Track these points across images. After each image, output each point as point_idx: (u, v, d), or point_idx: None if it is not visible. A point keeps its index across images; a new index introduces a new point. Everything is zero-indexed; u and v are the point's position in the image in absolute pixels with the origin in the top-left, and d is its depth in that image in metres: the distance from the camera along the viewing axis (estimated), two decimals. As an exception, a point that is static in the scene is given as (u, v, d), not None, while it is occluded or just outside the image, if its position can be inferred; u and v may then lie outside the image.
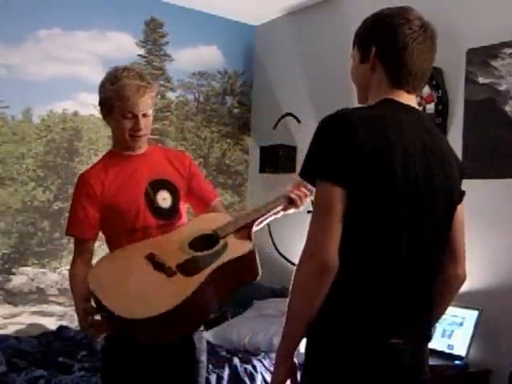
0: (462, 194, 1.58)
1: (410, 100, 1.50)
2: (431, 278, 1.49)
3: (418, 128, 1.46)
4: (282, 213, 2.10)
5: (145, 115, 2.08)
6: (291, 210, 2.10)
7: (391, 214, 1.38)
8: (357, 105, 1.59)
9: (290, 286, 1.38)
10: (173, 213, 2.12)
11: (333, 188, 1.34)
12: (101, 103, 2.11)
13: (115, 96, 2.05)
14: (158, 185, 2.11)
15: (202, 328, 2.17)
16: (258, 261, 1.93)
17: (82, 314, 1.93)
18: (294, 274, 1.37)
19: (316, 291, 1.34)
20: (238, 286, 1.96)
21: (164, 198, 2.11)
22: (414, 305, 1.44)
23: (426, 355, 1.52)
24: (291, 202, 2.06)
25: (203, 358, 2.14)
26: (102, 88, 2.11)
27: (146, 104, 2.08)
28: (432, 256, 1.48)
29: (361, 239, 1.37)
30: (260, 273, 1.94)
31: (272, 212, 2.06)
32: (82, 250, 2.10)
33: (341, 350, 1.38)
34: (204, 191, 2.23)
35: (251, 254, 1.91)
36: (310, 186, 2.02)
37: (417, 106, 1.53)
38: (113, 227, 2.09)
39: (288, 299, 1.39)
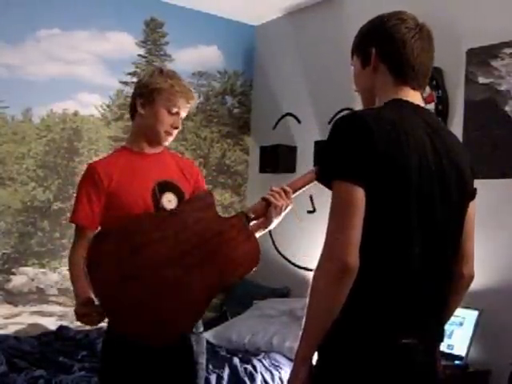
0: (474, 191, 1.57)
1: (416, 97, 1.51)
2: (444, 277, 1.49)
3: (427, 127, 1.46)
4: (275, 219, 2.03)
5: (182, 118, 2.16)
6: (281, 214, 2.02)
7: (406, 215, 1.38)
8: (356, 105, 1.59)
9: (309, 289, 1.36)
10: None
11: (354, 188, 1.33)
12: (144, 93, 2.12)
13: (169, 89, 2.09)
14: (166, 186, 2.12)
15: (201, 329, 2.16)
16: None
17: (81, 303, 1.92)
18: (313, 276, 1.35)
19: (337, 294, 1.33)
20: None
21: (169, 200, 2.12)
22: (427, 304, 1.45)
23: (439, 355, 1.53)
24: (269, 203, 1.99)
25: (202, 359, 2.14)
26: (152, 78, 2.13)
27: (188, 109, 2.16)
28: (445, 255, 1.48)
29: (374, 240, 1.37)
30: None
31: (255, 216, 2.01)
32: (83, 237, 2.09)
33: (353, 349, 1.38)
34: None
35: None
36: (288, 189, 2.00)
37: (422, 104, 1.53)
38: (115, 222, 2.08)
39: (307, 302, 1.37)
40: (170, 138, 2.18)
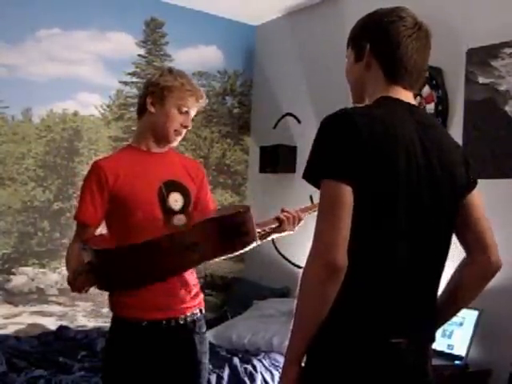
0: (474, 182, 1.55)
1: (407, 97, 1.49)
2: (436, 276, 1.49)
3: (418, 126, 1.45)
4: (274, 236, 2.16)
5: (191, 117, 2.16)
6: (281, 234, 2.15)
7: (394, 214, 1.38)
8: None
9: (298, 289, 1.36)
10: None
11: (340, 186, 1.33)
12: (154, 91, 2.12)
13: (180, 87, 2.10)
14: (172, 186, 2.12)
15: (204, 329, 2.16)
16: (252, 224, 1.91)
17: (72, 272, 1.93)
18: (301, 275, 1.35)
19: (325, 293, 1.33)
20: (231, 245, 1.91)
21: (176, 200, 2.11)
22: (417, 305, 1.44)
23: (430, 356, 1.52)
24: (280, 224, 2.11)
25: (205, 359, 2.14)
26: (163, 77, 2.13)
27: (197, 108, 2.17)
28: (437, 255, 1.47)
29: (363, 238, 1.36)
30: (255, 237, 1.92)
31: (262, 230, 2.07)
32: (83, 233, 2.09)
33: (342, 349, 1.37)
34: (207, 205, 2.25)
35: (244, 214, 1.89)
36: (302, 215, 2.12)
37: (415, 103, 1.52)
38: (120, 221, 2.08)
39: (295, 302, 1.37)
40: (179, 138, 2.17)
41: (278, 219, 2.10)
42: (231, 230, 1.84)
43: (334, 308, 1.34)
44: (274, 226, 2.10)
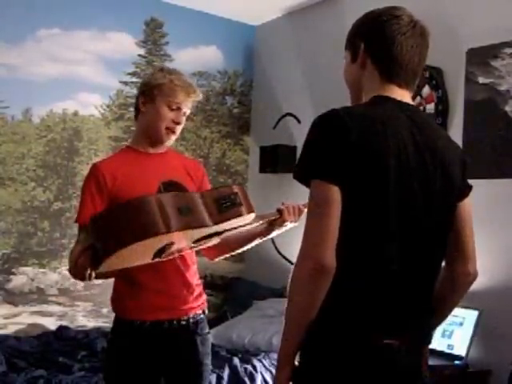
0: (469, 188, 1.55)
1: (403, 95, 1.48)
2: (430, 278, 1.48)
3: (412, 125, 1.44)
4: (276, 231, 2.11)
5: (184, 114, 2.13)
6: (283, 228, 2.10)
7: (385, 215, 1.37)
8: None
9: (288, 289, 1.37)
10: None
11: (329, 187, 1.33)
12: (145, 90, 2.12)
13: (168, 84, 2.09)
14: (171, 186, 2.11)
15: (206, 330, 2.16)
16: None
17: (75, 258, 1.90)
18: (290, 276, 1.36)
19: (313, 293, 1.33)
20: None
21: None
22: (410, 305, 1.43)
23: (425, 357, 1.51)
24: (281, 215, 2.06)
25: (207, 361, 2.14)
26: (154, 75, 2.13)
27: (190, 104, 2.14)
28: (430, 255, 1.46)
29: (352, 239, 1.36)
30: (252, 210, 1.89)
31: (263, 221, 2.05)
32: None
33: (334, 349, 1.37)
34: None
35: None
36: (302, 208, 2.08)
37: (411, 102, 1.51)
38: None
39: (286, 302, 1.38)
40: (173, 137, 2.15)
41: (278, 210, 2.07)
42: (224, 199, 1.82)
43: (325, 308, 1.34)
44: (274, 217, 2.07)
